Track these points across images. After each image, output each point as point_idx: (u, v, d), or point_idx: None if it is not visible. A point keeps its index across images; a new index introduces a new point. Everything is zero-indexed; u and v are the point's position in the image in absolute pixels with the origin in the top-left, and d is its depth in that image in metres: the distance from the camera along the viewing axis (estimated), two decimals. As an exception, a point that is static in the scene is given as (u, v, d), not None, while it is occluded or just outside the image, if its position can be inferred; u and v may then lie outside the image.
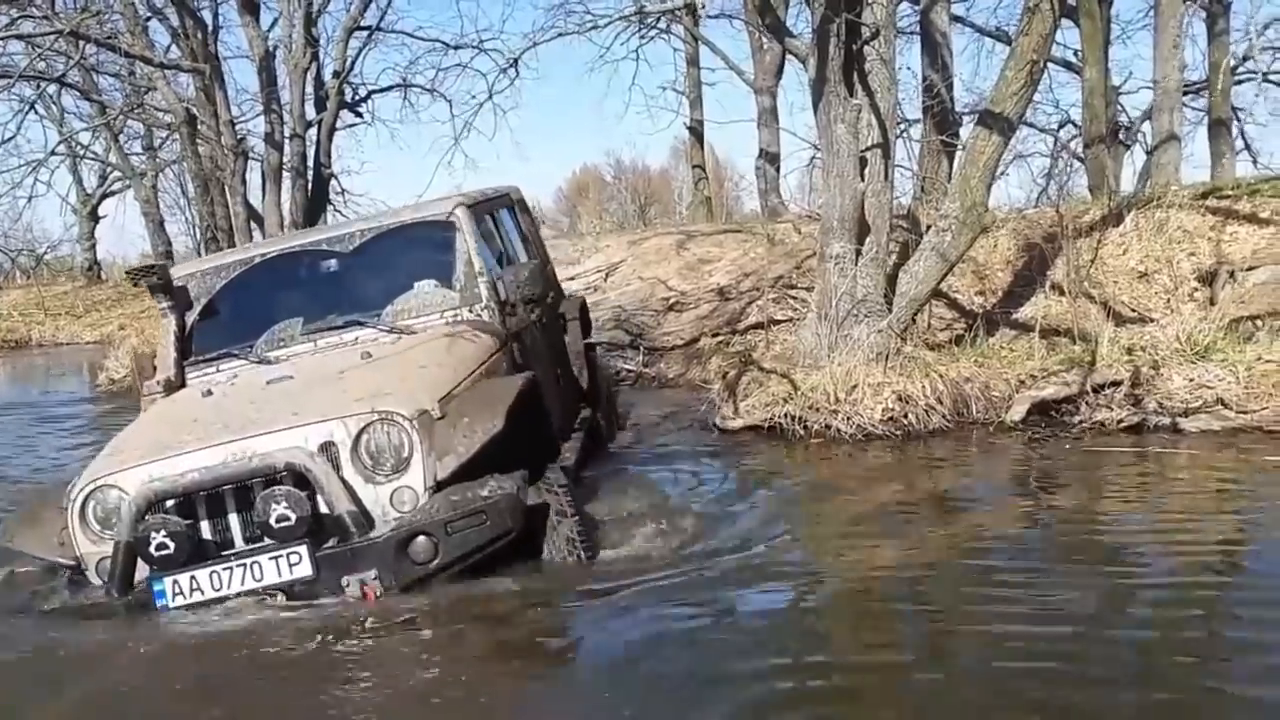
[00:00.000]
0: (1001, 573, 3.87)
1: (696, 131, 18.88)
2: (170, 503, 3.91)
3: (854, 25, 6.41)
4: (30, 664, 3.71)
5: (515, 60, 8.76)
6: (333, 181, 16.68)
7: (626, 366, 9.08)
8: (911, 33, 11.73)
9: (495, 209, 6.07)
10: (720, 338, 8.79)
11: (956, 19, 13.67)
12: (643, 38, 15.01)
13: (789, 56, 14.34)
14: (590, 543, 4.31)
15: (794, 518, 4.94)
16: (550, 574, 4.12)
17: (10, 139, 16.70)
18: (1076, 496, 4.90)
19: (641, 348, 9.25)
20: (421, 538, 3.84)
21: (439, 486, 4.02)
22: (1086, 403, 5.93)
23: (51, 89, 17.92)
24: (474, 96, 14.12)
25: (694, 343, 9.04)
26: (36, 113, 18.81)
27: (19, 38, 12.57)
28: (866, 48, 6.62)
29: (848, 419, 6.08)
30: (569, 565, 4.16)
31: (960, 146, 9.47)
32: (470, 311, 5.10)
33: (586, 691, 3.22)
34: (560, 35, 7.59)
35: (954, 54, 10.68)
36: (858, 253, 6.63)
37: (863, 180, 6.69)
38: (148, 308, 19.84)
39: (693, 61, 18.39)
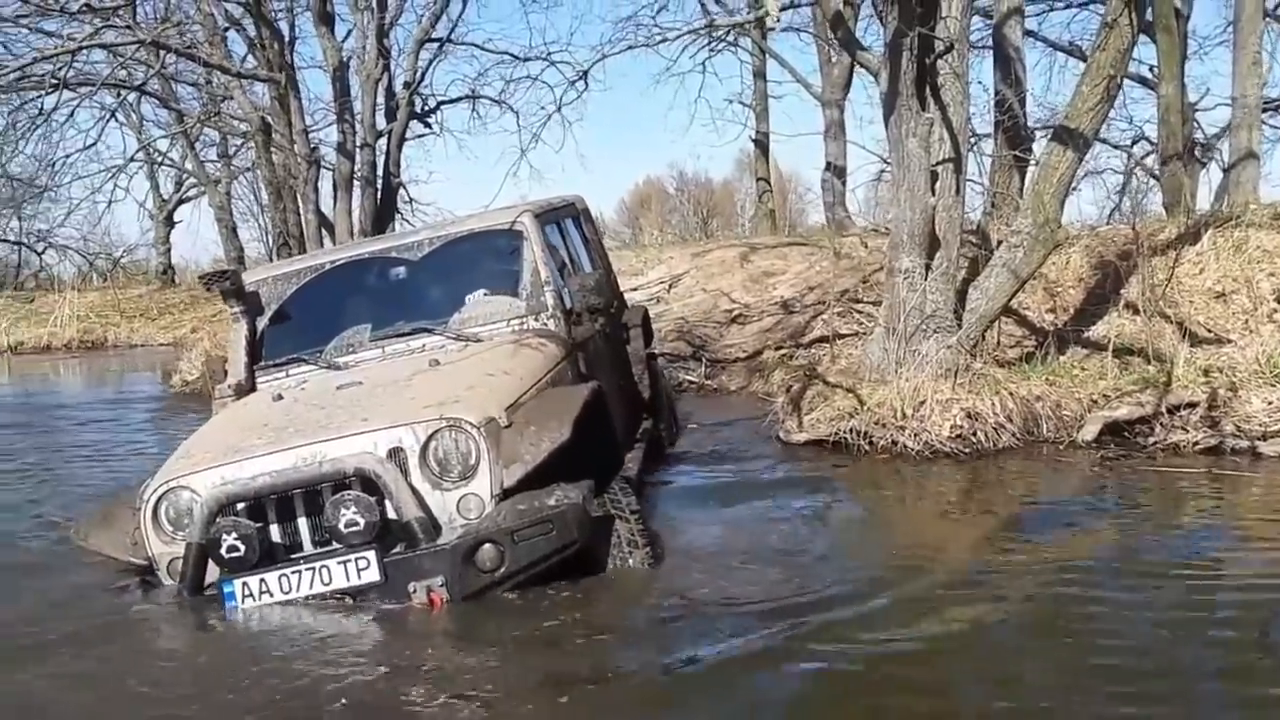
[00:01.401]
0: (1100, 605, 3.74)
1: (762, 144, 18.83)
2: (241, 505, 3.97)
3: (927, 39, 6.34)
4: (111, 663, 3.77)
5: (584, 73, 8.80)
6: (401, 190, 16.90)
7: (688, 378, 9.07)
8: (984, 47, 11.58)
9: (561, 218, 6.11)
10: (784, 351, 8.73)
11: (1029, 34, 13.49)
12: (711, 50, 15.04)
13: (858, 70, 14.27)
14: (654, 552, 4.30)
15: (863, 538, 4.87)
16: (613, 585, 4.11)
17: (92, 145, 17.29)
18: (1157, 520, 4.77)
19: (704, 359, 9.23)
20: (488, 546, 3.85)
21: (505, 494, 4.03)
22: (1161, 424, 5.79)
23: (131, 97, 18.40)
24: (543, 108, 14.16)
25: (757, 355, 8.99)
26: (117, 120, 19.35)
27: (102, 47, 12.92)
28: (940, 61, 6.54)
29: (915, 435, 6.00)
30: (632, 577, 4.14)
31: (1033, 162, 9.33)
32: (536, 320, 5.13)
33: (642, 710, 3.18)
34: (630, 48, 7.60)
35: (1027, 69, 10.53)
36: (927, 267, 6.55)
37: (933, 194, 6.61)
38: (219, 312, 20.22)
39: (759, 74, 18.35)
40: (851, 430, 6.19)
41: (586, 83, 9.13)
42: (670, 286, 11.32)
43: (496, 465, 4.05)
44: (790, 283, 10.35)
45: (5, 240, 28.11)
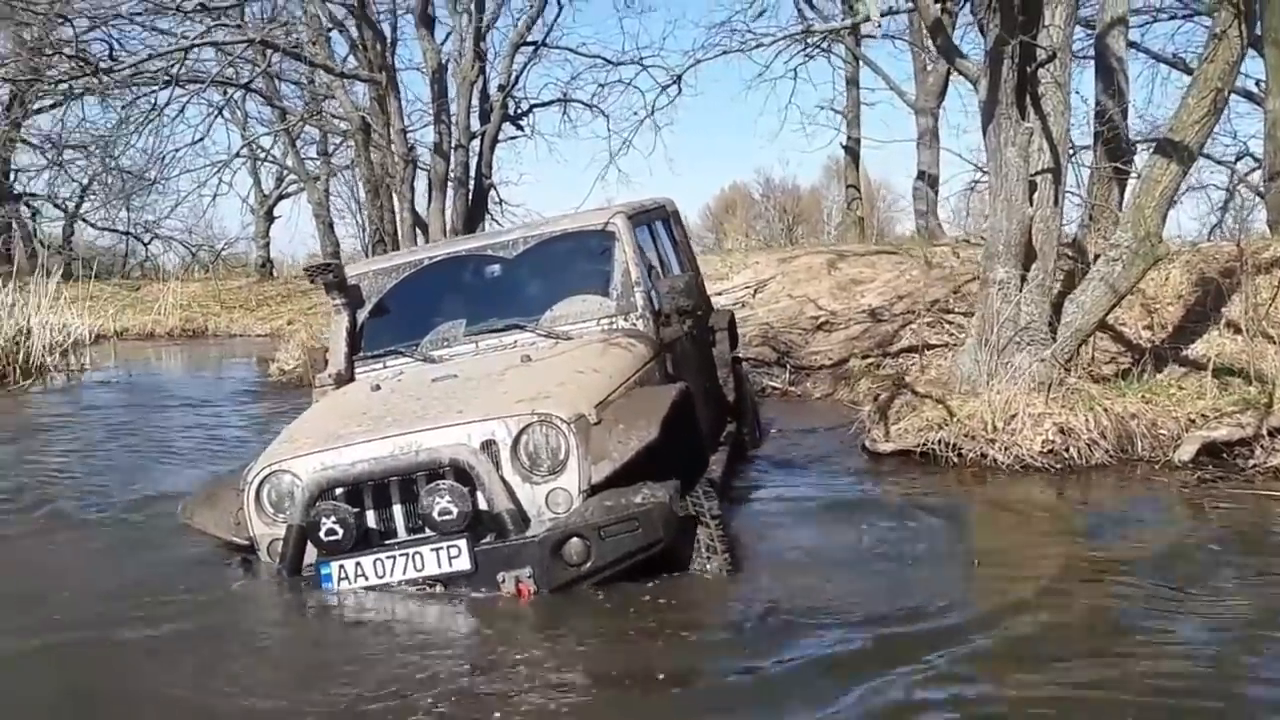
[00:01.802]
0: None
1: (853, 151, 18.71)
2: (339, 491, 4.10)
3: (1029, 48, 6.26)
4: (212, 636, 3.93)
5: (678, 77, 8.89)
6: (492, 191, 17.18)
7: (772, 384, 9.06)
8: (1086, 57, 11.35)
9: (652, 220, 6.17)
10: (870, 359, 8.67)
11: (1133, 45, 13.17)
12: (806, 56, 15.00)
13: (954, 78, 14.10)
14: (733, 557, 4.33)
15: (948, 549, 4.80)
16: (695, 586, 4.15)
17: (199, 140, 17.87)
18: (1251, 544, 4.65)
19: (788, 365, 9.21)
20: (575, 540, 3.92)
21: (593, 490, 4.10)
22: (1262, 446, 5.63)
23: (238, 95, 19.01)
24: (636, 113, 14.28)
25: (842, 363, 8.94)
26: (223, 117, 20.01)
27: (213, 45, 13.40)
28: (1041, 70, 6.45)
29: (1005, 449, 5.92)
30: (713, 579, 4.18)
31: (1133, 175, 9.12)
32: (625, 320, 5.20)
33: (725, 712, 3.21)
34: (724, 53, 7.65)
35: (1129, 80, 10.30)
36: (1022, 279, 6.46)
37: (1031, 205, 6.52)
38: (314, 304, 20.78)
39: (853, 81, 18.24)
40: (940, 441, 6.13)
41: (679, 87, 9.19)
42: (756, 291, 11.31)
43: (585, 461, 4.12)
44: (879, 291, 10.27)
45: (114, 230, 29.21)
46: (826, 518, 5.28)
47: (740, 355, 7.33)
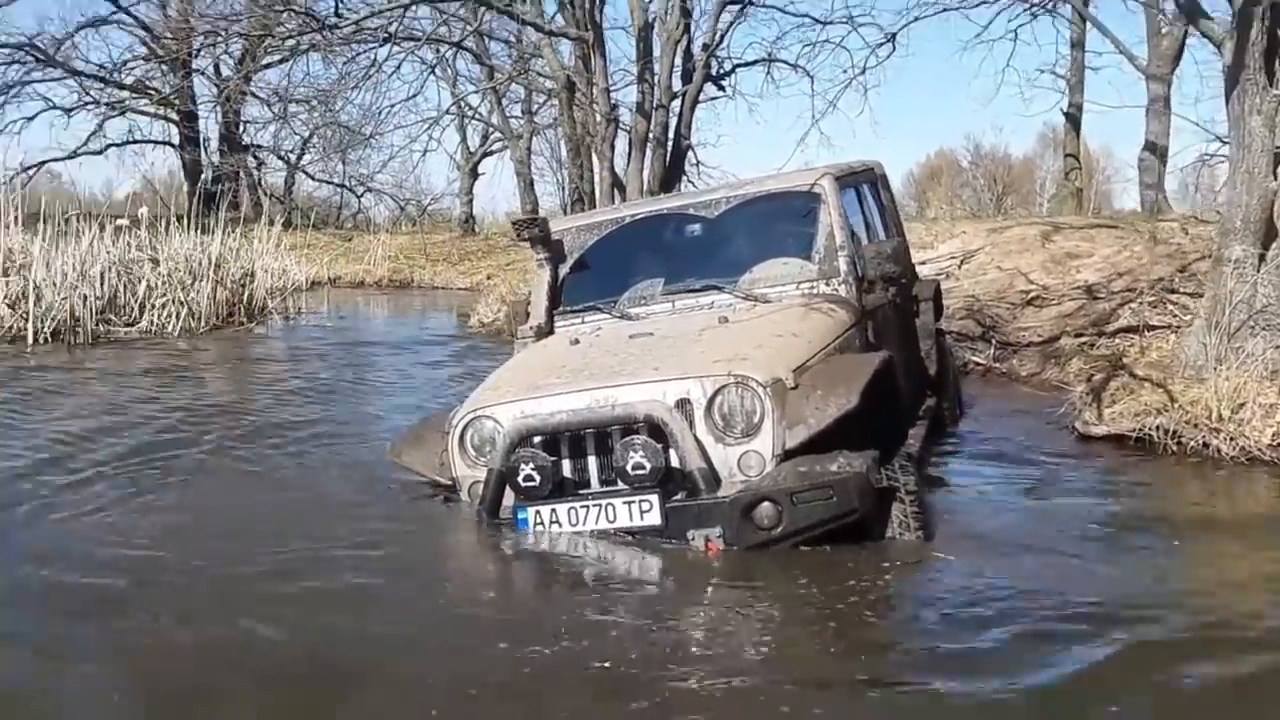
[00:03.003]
0: None
1: (1074, 118, 17.69)
2: (538, 439, 4.18)
3: (1283, 6, 5.72)
4: (417, 567, 4.10)
5: (891, 36, 8.57)
6: (689, 153, 17.13)
7: (975, 359, 8.71)
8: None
9: (859, 183, 6.00)
10: (1084, 339, 8.20)
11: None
12: (1032, 15, 14.23)
13: (1190, 41, 13.11)
14: (927, 534, 4.19)
15: (1161, 545, 4.45)
16: (887, 558, 4.03)
17: (413, 97, 18.59)
18: None
19: (994, 341, 8.83)
20: (767, 504, 3.87)
21: (786, 455, 4.03)
22: None
23: (449, 53, 19.60)
24: (844, 71, 13.76)
25: (1053, 341, 8.50)
26: (435, 75, 20.70)
27: (429, 2, 13.80)
28: (1295, 32, 5.89)
29: (1231, 439, 5.49)
30: (906, 554, 4.05)
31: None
32: (827, 285, 5.07)
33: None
34: (943, 11, 7.31)
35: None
36: (1261, 258, 5.96)
37: (1275, 179, 5.99)
38: (513, 260, 21.39)
39: (1077, 44, 17.20)
40: (1158, 428, 5.74)
41: (893, 46, 8.85)
42: (962, 262, 10.89)
43: (780, 425, 4.06)
44: (1096, 267, 9.70)
45: (331, 182, 30.78)
46: (1028, 499, 5.05)
47: (943, 327, 7.06)
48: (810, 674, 3.10)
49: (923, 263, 10.31)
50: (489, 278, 19.07)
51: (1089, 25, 16.62)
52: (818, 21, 15.75)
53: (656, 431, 4.04)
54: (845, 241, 5.17)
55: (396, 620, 3.46)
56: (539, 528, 4.13)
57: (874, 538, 4.11)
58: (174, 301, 11.44)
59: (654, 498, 3.99)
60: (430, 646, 3.24)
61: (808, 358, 4.36)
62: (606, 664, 3.08)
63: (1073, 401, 6.47)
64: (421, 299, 19.10)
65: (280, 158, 29.69)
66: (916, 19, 7.46)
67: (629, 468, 3.98)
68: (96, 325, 10.68)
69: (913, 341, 6.07)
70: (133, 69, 26.43)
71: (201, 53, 24.27)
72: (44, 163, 25.21)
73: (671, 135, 15.48)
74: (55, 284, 10.46)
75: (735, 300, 5.08)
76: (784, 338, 4.51)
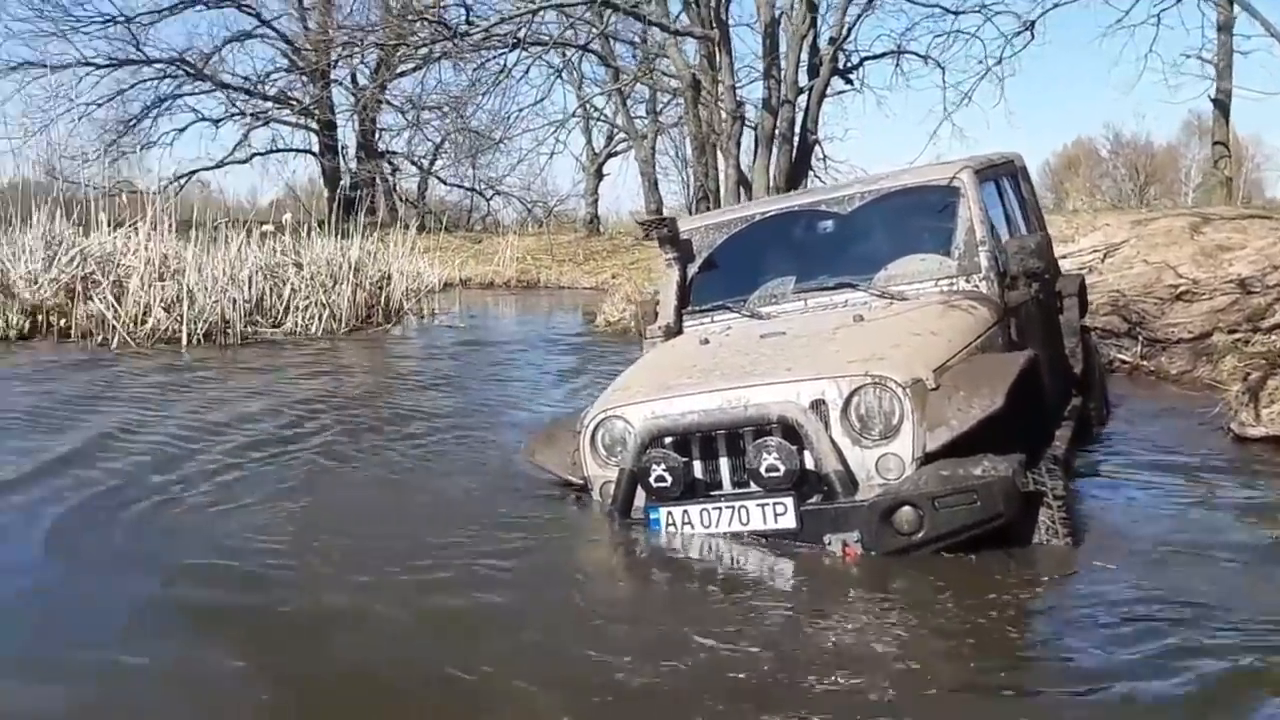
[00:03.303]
0: None
1: (1222, 105, 16.80)
2: (669, 440, 4.15)
3: None
4: (549, 565, 4.11)
5: (1029, 25, 8.26)
6: (816, 148, 16.92)
7: (1120, 356, 8.34)
8: None
9: (999, 176, 5.80)
10: (1238, 335, 7.76)
11: None
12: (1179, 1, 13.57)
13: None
14: (1076, 540, 4.01)
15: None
16: (1034, 566, 3.87)
17: (540, 101, 18.85)
18: None
19: (1140, 337, 8.43)
20: (907, 508, 3.76)
21: (927, 458, 3.92)
22: None
23: (575, 56, 19.85)
24: (980, 61, 13.34)
25: (1204, 338, 8.06)
26: (561, 78, 20.99)
27: (557, 7, 13.97)
28: None
29: (1406, 443, 5.11)
30: (1051, 561, 3.88)
31: None
32: (967, 281, 4.92)
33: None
34: (1086, -6, 6.98)
35: None
36: None
37: None
38: (637, 259, 21.49)
39: (1224, 27, 16.34)
40: (1323, 429, 5.38)
41: (1032, 35, 8.53)
42: (1105, 256, 10.44)
43: (920, 428, 3.94)
44: (1250, 259, 9.16)
45: (461, 186, 31.54)
46: (1181, 504, 4.78)
47: (1088, 324, 6.77)
48: (950, 688, 2.99)
49: (1064, 256, 9.92)
50: (614, 277, 19.21)
51: (1236, 7, 15.76)
52: (949, 12, 15.38)
53: (790, 433, 3.97)
54: (986, 236, 5.00)
55: (530, 625, 3.45)
56: (671, 529, 4.10)
57: (1020, 544, 3.96)
58: (316, 303, 11.85)
59: (789, 500, 3.92)
60: (564, 653, 3.22)
61: (948, 357, 4.23)
62: (741, 675, 3.02)
63: (1227, 401, 6.12)
64: (548, 299, 19.36)
65: (413, 163, 30.59)
66: (1056, 5, 7.14)
67: (762, 469, 3.92)
68: (245, 327, 11.14)
69: (1057, 339, 5.84)
70: (275, 81, 27.67)
71: (339, 63, 25.14)
72: (194, 172, 26.53)
73: (798, 131, 15.33)
74: (207, 288, 10.96)
75: (870, 298, 4.96)
76: (923, 336, 4.38)
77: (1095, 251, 10.61)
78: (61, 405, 7.21)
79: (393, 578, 3.86)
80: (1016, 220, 5.91)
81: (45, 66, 24.62)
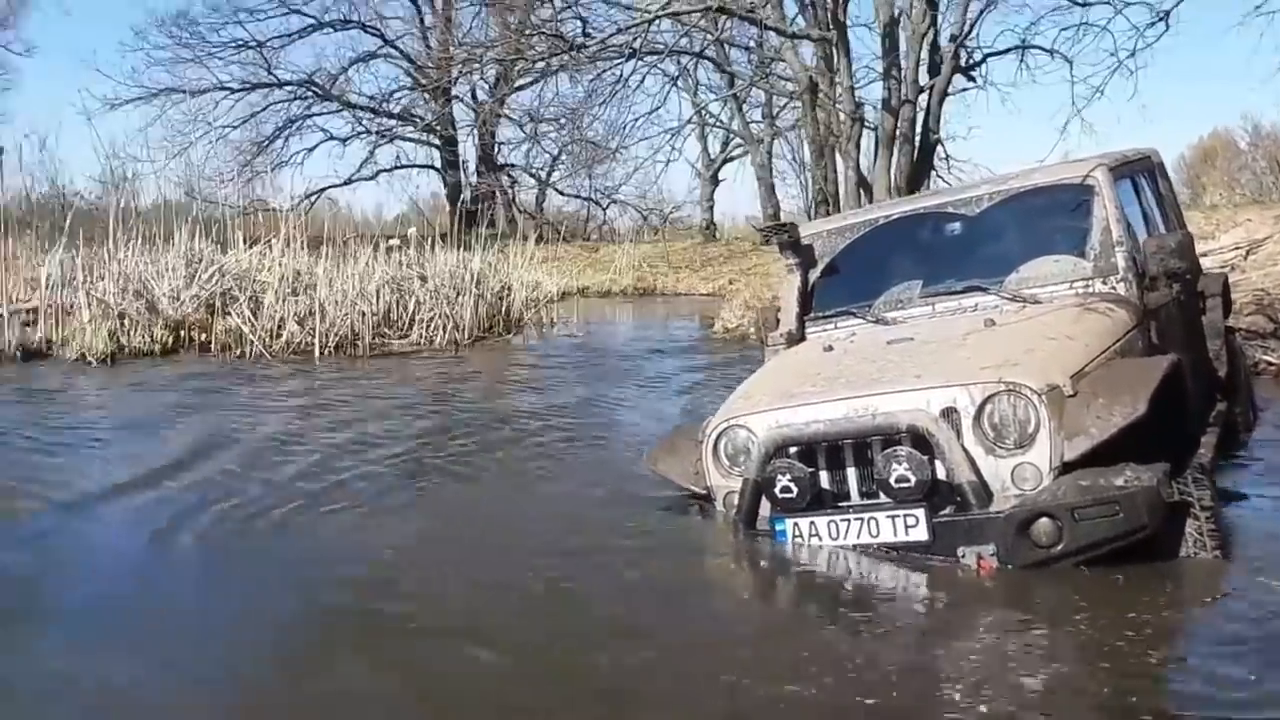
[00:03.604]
0: None
1: (1376, 88, 15.82)
2: (793, 449, 4.10)
3: None
4: (674, 573, 4.10)
5: (1164, 15, 7.91)
6: (938, 148, 16.56)
7: (1267, 358, 7.91)
8: None
9: (1135, 173, 5.58)
10: (1403, 335, 7.29)
11: None
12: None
13: None
14: (1225, 554, 3.81)
15: None
16: (1180, 581, 3.69)
17: (656, 109, 18.92)
18: None
19: (1289, 338, 7.99)
20: (1045, 519, 3.63)
21: (1065, 468, 3.77)
22: None
23: (690, 63, 19.88)
24: (1111, 54, 12.79)
25: (1362, 339, 7.60)
26: (676, 86, 21.04)
27: (673, 15, 14.02)
28: None
29: None
30: (1199, 576, 3.70)
31: None
32: (1104, 283, 4.74)
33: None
34: (1226, -21, 6.67)
35: None
36: None
37: None
38: (754, 265, 21.37)
39: (1378, 5, 15.37)
40: None
41: (1166, 25, 8.17)
42: (1247, 253, 9.93)
43: (1057, 436, 3.80)
44: None
45: (578, 196, 31.90)
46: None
47: (1232, 325, 6.44)
48: (1088, 712, 2.87)
49: (1204, 254, 9.46)
50: (731, 283, 19.14)
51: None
52: (1077, 4, 14.82)
53: (920, 442, 3.87)
54: (1123, 236, 4.82)
55: (655, 641, 3.43)
56: (798, 540, 4.04)
57: (1165, 558, 3.79)
58: (440, 315, 12.13)
59: (920, 512, 3.82)
60: (688, 671, 3.18)
61: (1086, 362, 4.07)
62: (872, 697, 2.94)
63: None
64: (665, 306, 19.40)
65: (532, 175, 31.09)
66: (1195, -8, 6.82)
67: (892, 480, 3.83)
68: (373, 339, 11.48)
69: (1200, 342, 5.55)
70: (399, 99, 28.45)
71: (460, 80, 25.71)
72: (323, 190, 27.46)
73: (919, 131, 15.02)
74: (337, 302, 11.34)
75: (1001, 301, 4.81)
76: (1058, 341, 4.23)
77: (1237, 249, 10.11)
78: (208, 415, 7.58)
79: (520, 588, 3.92)
80: (1154, 218, 5.67)
81: (184, 92, 25.85)
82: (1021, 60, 16.17)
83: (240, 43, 26.02)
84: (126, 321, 10.86)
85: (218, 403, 8.18)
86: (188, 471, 5.86)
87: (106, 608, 3.94)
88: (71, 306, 11.00)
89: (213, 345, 10.95)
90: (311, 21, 26.71)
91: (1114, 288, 4.71)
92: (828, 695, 2.97)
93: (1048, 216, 5.13)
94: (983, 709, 2.85)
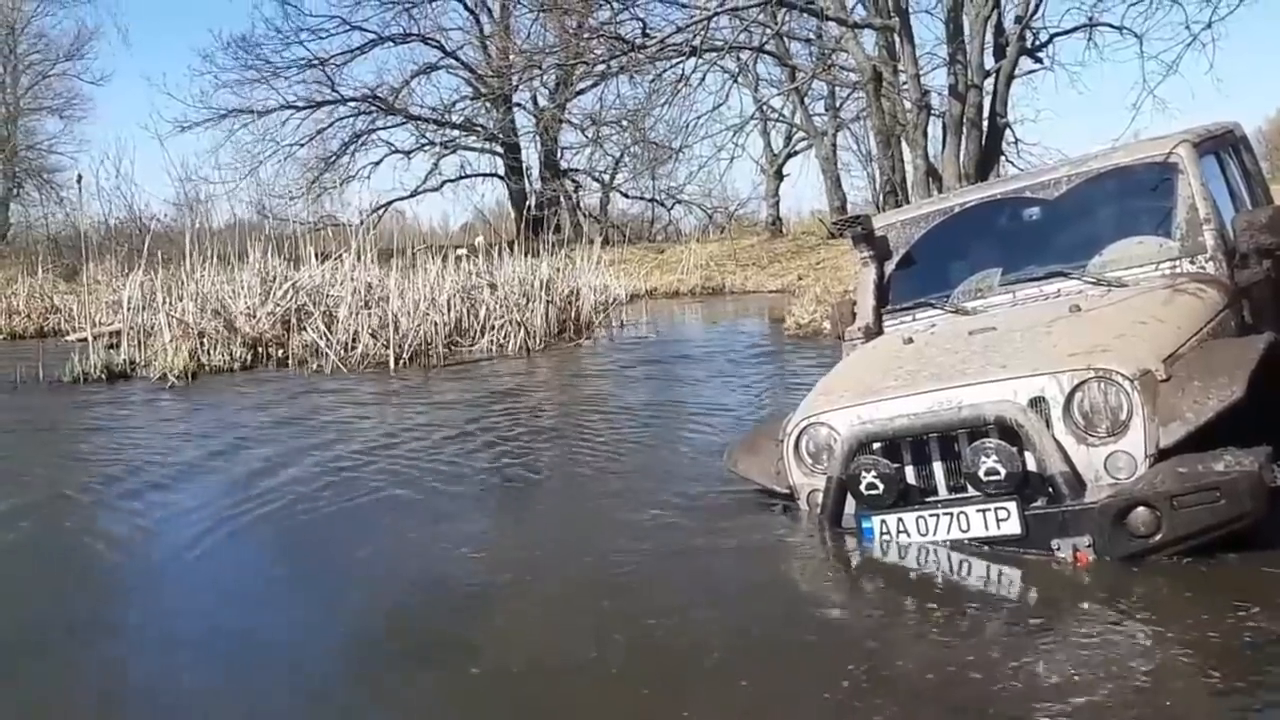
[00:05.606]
0: None
1: None
2: (877, 445, 4.04)
3: None
4: (763, 577, 4.05)
5: (1241, -20, 7.63)
6: (1007, 131, 16.27)
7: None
8: None
9: (1219, 148, 5.39)
10: None
11: None
12: None
13: None
14: None
15: None
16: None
17: (718, 107, 18.87)
18: None
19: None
20: (1142, 509, 3.52)
21: (1161, 455, 3.66)
22: None
23: (750, 59, 19.77)
24: (1185, 27, 12.42)
25: None
26: (737, 82, 20.93)
27: (731, 11, 13.95)
28: None
29: None
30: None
31: None
32: (1192, 263, 4.60)
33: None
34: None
35: None
36: None
37: None
38: (823, 259, 21.22)
39: None
40: None
41: (1242, -5, 7.91)
42: (1341, 226, 9.56)
43: (1151, 422, 3.69)
44: None
45: (642, 198, 31.98)
46: None
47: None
48: (1189, 709, 2.78)
49: (1293, 230, 9.15)
50: (800, 279, 19.01)
51: None
52: (1147, -24, 14.46)
53: (1008, 433, 3.78)
54: (1210, 213, 4.67)
55: (745, 644, 3.38)
56: (885, 538, 3.97)
57: (1269, 547, 3.64)
58: (510, 322, 12.24)
59: (1011, 505, 3.73)
60: (782, 673, 3.15)
61: (1178, 345, 3.95)
62: (966, 698, 2.86)
63: None
64: (734, 304, 19.32)
65: (595, 179, 31.26)
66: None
67: (981, 473, 3.75)
68: (445, 348, 11.62)
69: (1295, 320, 5.37)
70: (461, 109, 28.78)
71: (520, 87, 25.93)
72: (390, 202, 27.93)
73: (986, 115, 14.76)
74: (409, 313, 11.49)
75: (1085, 286, 4.69)
76: (1148, 324, 4.11)
77: (1329, 221, 9.73)
78: (292, 428, 7.73)
79: (603, 593, 3.91)
80: (1241, 194, 5.48)
81: (252, 112, 26.51)
82: (1089, 39, 15.87)
83: (304, 61, 26.63)
84: (206, 340, 11.13)
85: (301, 416, 8.34)
86: (276, 481, 5.99)
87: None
88: (152, 328, 11.30)
89: (290, 360, 11.16)
90: (372, 37, 27.21)
91: (1203, 267, 4.57)
92: (922, 695, 2.91)
93: (1130, 197, 5.01)
94: (1081, 705, 2.77)
